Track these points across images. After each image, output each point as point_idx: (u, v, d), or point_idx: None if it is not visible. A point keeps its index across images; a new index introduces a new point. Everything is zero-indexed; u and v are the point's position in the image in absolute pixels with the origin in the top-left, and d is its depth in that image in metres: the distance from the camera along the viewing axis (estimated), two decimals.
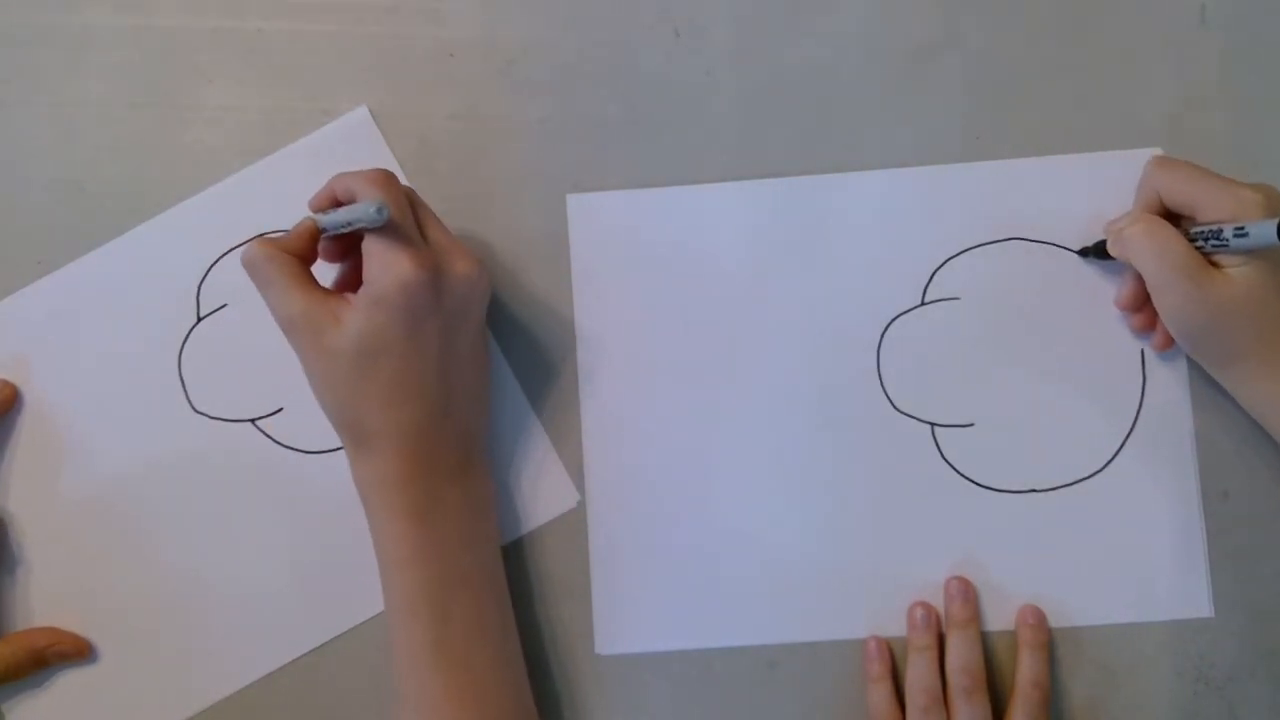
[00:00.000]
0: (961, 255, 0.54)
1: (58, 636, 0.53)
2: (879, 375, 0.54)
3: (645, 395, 0.55)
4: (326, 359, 0.47)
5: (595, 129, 0.56)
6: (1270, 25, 0.56)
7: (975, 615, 0.52)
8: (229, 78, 0.57)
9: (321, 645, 0.54)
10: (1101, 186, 0.54)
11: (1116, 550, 0.53)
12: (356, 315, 0.46)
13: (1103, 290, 0.54)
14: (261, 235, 0.47)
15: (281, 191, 0.56)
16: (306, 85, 0.56)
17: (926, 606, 0.52)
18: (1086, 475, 0.53)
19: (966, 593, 0.52)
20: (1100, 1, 0.56)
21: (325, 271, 0.50)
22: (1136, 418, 0.53)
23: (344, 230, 0.47)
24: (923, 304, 0.54)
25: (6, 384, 0.54)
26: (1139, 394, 0.54)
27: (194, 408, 0.55)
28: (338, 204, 0.49)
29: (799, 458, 0.54)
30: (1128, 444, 0.53)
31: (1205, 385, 0.53)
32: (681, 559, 0.54)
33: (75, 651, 0.53)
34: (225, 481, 0.54)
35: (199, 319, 0.55)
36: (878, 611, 0.53)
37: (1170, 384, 0.54)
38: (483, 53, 0.57)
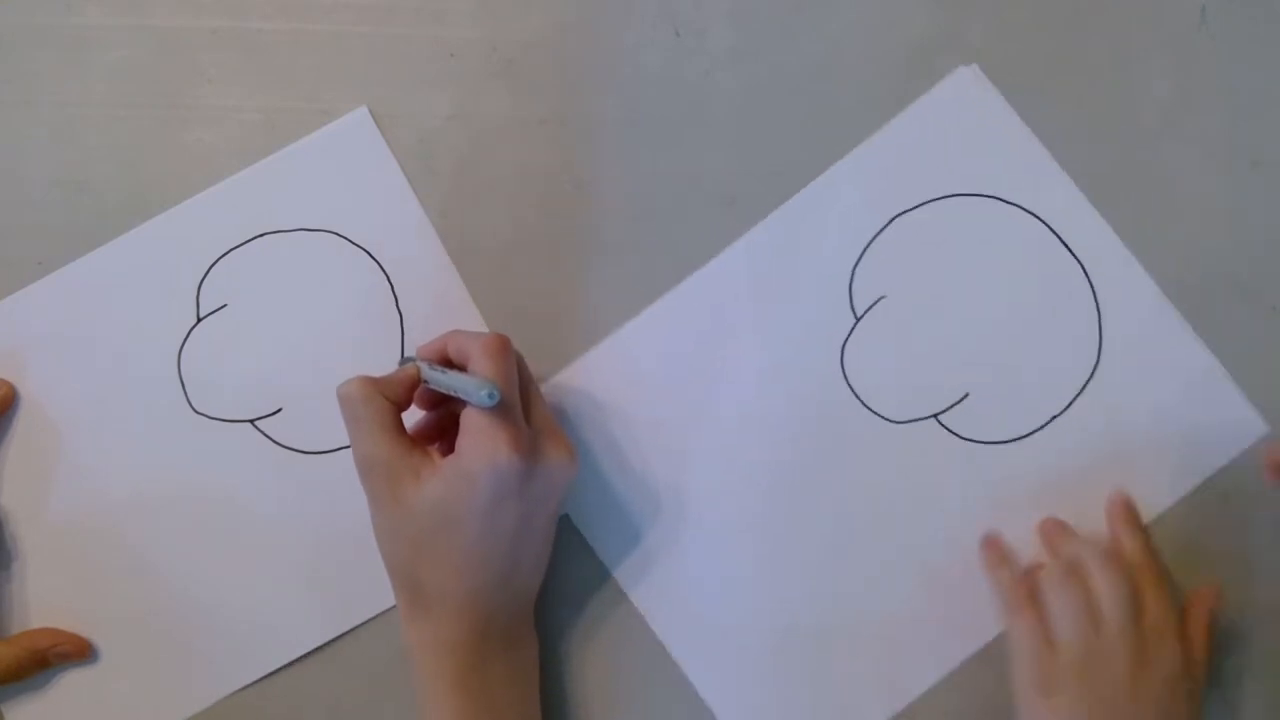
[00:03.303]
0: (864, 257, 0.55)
1: (59, 637, 0.53)
2: (864, 405, 0.54)
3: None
4: (398, 514, 0.46)
5: (595, 129, 0.56)
6: (1270, 25, 0.56)
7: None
8: (229, 78, 0.57)
9: (321, 645, 0.54)
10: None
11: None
12: (439, 482, 0.45)
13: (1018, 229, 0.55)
14: (363, 376, 0.47)
15: (282, 192, 0.56)
16: (306, 85, 0.56)
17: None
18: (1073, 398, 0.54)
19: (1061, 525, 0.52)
20: (1100, 1, 0.56)
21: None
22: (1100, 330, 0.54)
23: (447, 393, 0.47)
24: (857, 320, 0.54)
25: (4, 383, 0.54)
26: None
27: (193, 408, 0.55)
28: (447, 359, 0.48)
29: (828, 523, 0.54)
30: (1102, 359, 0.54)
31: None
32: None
33: (77, 652, 0.53)
34: (224, 482, 0.54)
35: (199, 319, 0.55)
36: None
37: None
38: (483, 53, 0.57)
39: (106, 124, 0.56)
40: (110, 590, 0.54)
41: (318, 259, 0.55)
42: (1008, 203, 0.55)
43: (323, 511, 0.54)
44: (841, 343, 0.54)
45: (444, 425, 0.50)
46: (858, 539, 0.53)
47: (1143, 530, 0.51)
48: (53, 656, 0.52)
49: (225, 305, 0.55)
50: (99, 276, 0.55)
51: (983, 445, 0.54)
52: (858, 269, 0.54)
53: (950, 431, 0.54)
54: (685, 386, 0.55)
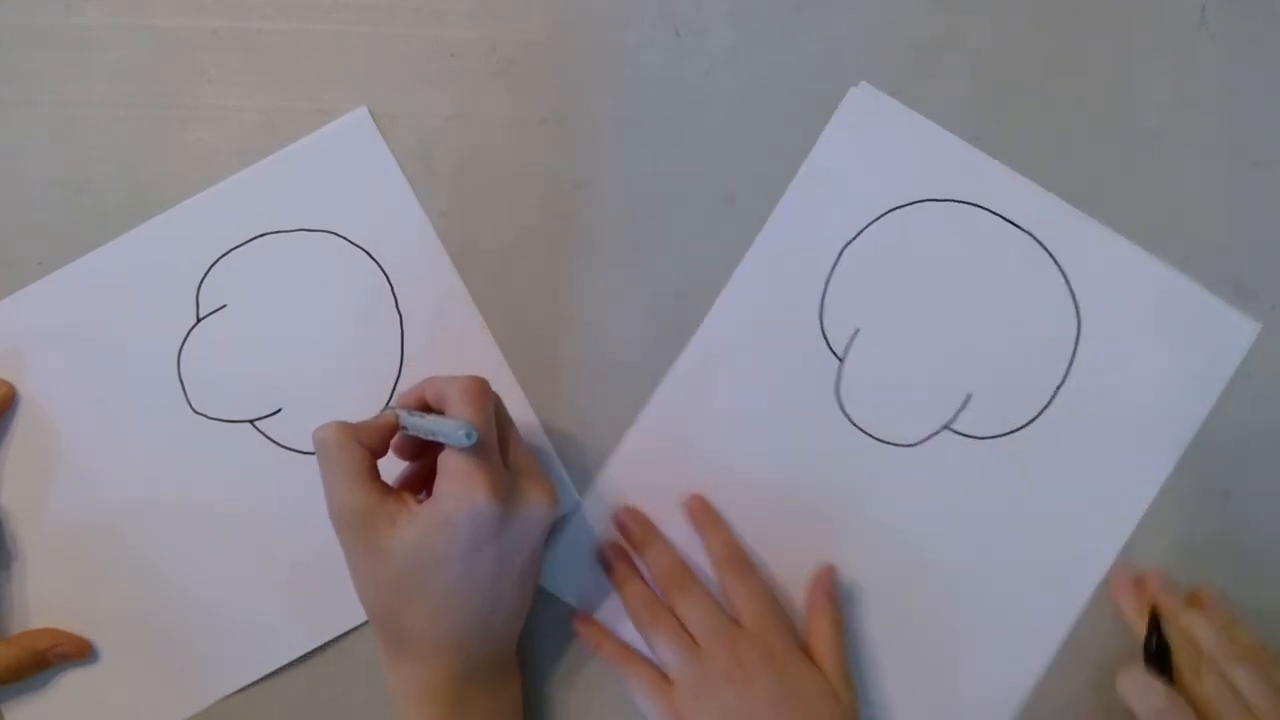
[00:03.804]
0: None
1: (60, 638, 0.53)
2: (876, 439, 0.54)
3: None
4: (375, 561, 0.45)
5: (595, 129, 0.56)
6: (1270, 25, 0.56)
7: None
8: (229, 78, 0.56)
9: (322, 646, 0.54)
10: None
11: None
12: (415, 528, 0.45)
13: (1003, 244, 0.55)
14: (342, 422, 0.47)
15: (282, 192, 0.56)
16: (306, 85, 0.56)
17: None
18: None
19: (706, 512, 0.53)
20: (1100, 1, 0.56)
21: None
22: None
23: (425, 437, 0.46)
24: (841, 360, 0.54)
25: (3, 383, 0.54)
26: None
27: (193, 408, 0.55)
28: (425, 405, 0.48)
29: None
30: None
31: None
32: None
33: (77, 652, 0.53)
34: (224, 482, 0.54)
35: (198, 319, 0.55)
36: None
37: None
38: (483, 53, 0.57)
39: (106, 124, 0.56)
40: (110, 590, 0.54)
41: (317, 259, 0.55)
42: (942, 200, 0.55)
43: (321, 511, 0.54)
44: (834, 386, 0.54)
45: (427, 475, 0.49)
46: (908, 573, 0.54)
47: (723, 529, 0.53)
48: (53, 656, 0.52)
49: (225, 305, 0.55)
50: (99, 276, 0.55)
51: (1001, 438, 0.54)
52: (824, 309, 0.54)
53: (966, 435, 0.54)
54: (695, 457, 0.54)
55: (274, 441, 0.55)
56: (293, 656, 0.53)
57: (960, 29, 0.56)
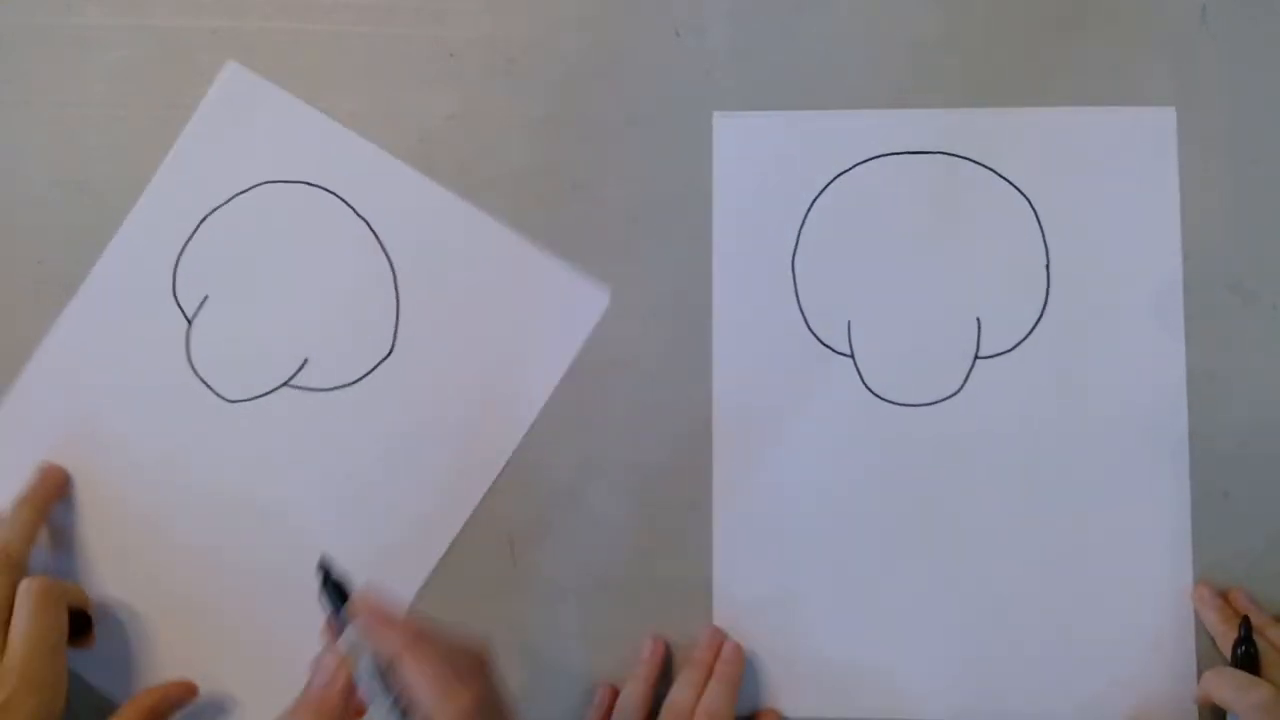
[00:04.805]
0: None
1: (164, 691, 0.53)
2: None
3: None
4: None
5: (595, 129, 0.56)
6: (1270, 25, 0.56)
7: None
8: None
9: None
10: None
11: None
12: None
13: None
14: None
15: (207, 169, 0.56)
16: (307, 85, 0.56)
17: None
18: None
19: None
20: (1100, 1, 0.56)
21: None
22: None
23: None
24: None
25: (55, 468, 0.54)
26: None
27: (227, 399, 0.55)
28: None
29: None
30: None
31: (1202, 383, 0.53)
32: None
33: (184, 693, 0.53)
34: (285, 449, 0.55)
35: (189, 322, 0.55)
36: None
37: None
38: (483, 53, 0.57)
39: (106, 124, 0.56)
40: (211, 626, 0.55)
41: (266, 216, 0.56)
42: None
43: (386, 431, 0.55)
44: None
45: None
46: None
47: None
48: (165, 706, 0.52)
49: (206, 296, 0.55)
50: (77, 338, 0.55)
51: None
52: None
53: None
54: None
55: (315, 389, 0.55)
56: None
57: (959, 30, 0.56)
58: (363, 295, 0.55)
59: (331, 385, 0.55)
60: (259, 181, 0.56)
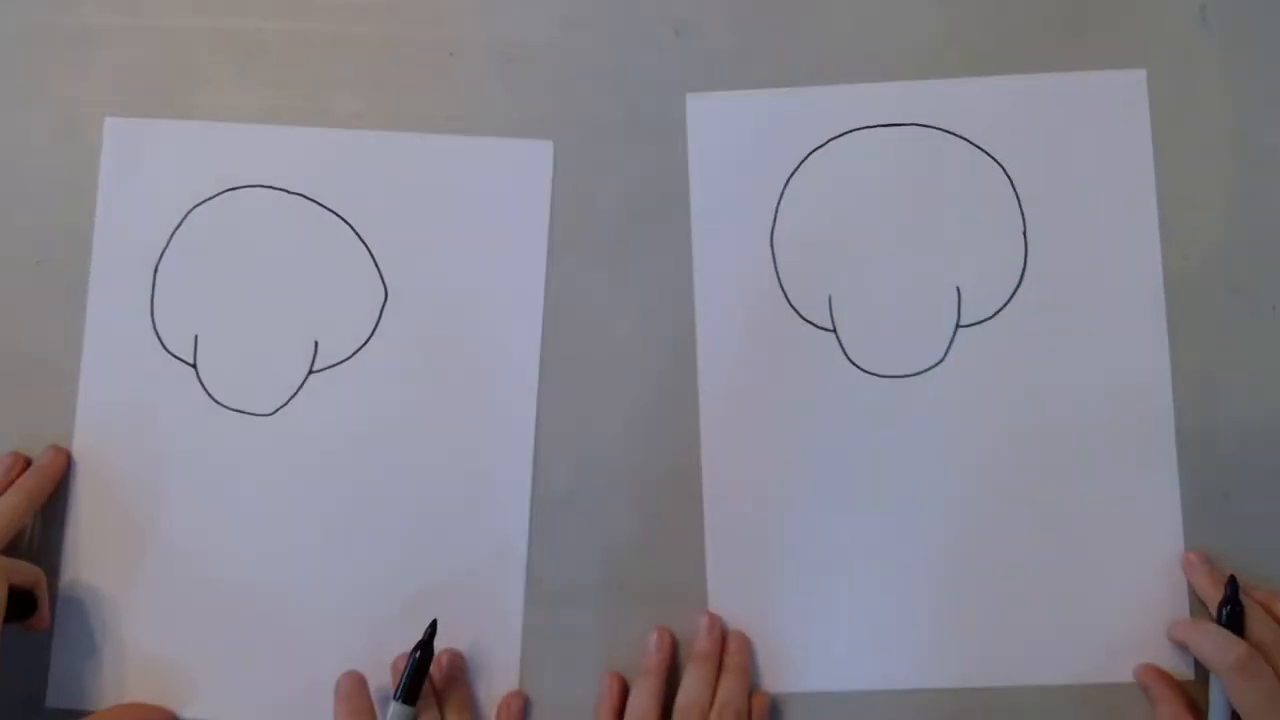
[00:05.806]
0: None
1: (142, 712, 0.52)
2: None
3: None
4: None
5: (595, 129, 0.56)
6: (1270, 25, 0.56)
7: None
8: (229, 78, 0.56)
9: None
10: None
11: None
12: None
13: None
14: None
15: (137, 224, 0.56)
16: (306, 85, 0.56)
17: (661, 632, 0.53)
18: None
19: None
20: (1101, 2, 0.56)
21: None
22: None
23: None
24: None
25: (59, 450, 0.54)
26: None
27: (266, 414, 0.55)
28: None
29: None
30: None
31: (1202, 384, 0.53)
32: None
33: None
34: (343, 436, 0.55)
35: (194, 366, 0.55)
36: None
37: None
38: (483, 53, 0.57)
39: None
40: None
41: (215, 235, 0.56)
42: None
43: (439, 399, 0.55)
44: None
45: None
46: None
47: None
48: None
49: (197, 336, 0.55)
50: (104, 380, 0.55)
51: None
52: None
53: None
54: None
55: (337, 364, 0.55)
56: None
57: (959, 31, 0.56)
58: (332, 256, 0.55)
59: (348, 354, 0.55)
60: (188, 209, 0.56)
